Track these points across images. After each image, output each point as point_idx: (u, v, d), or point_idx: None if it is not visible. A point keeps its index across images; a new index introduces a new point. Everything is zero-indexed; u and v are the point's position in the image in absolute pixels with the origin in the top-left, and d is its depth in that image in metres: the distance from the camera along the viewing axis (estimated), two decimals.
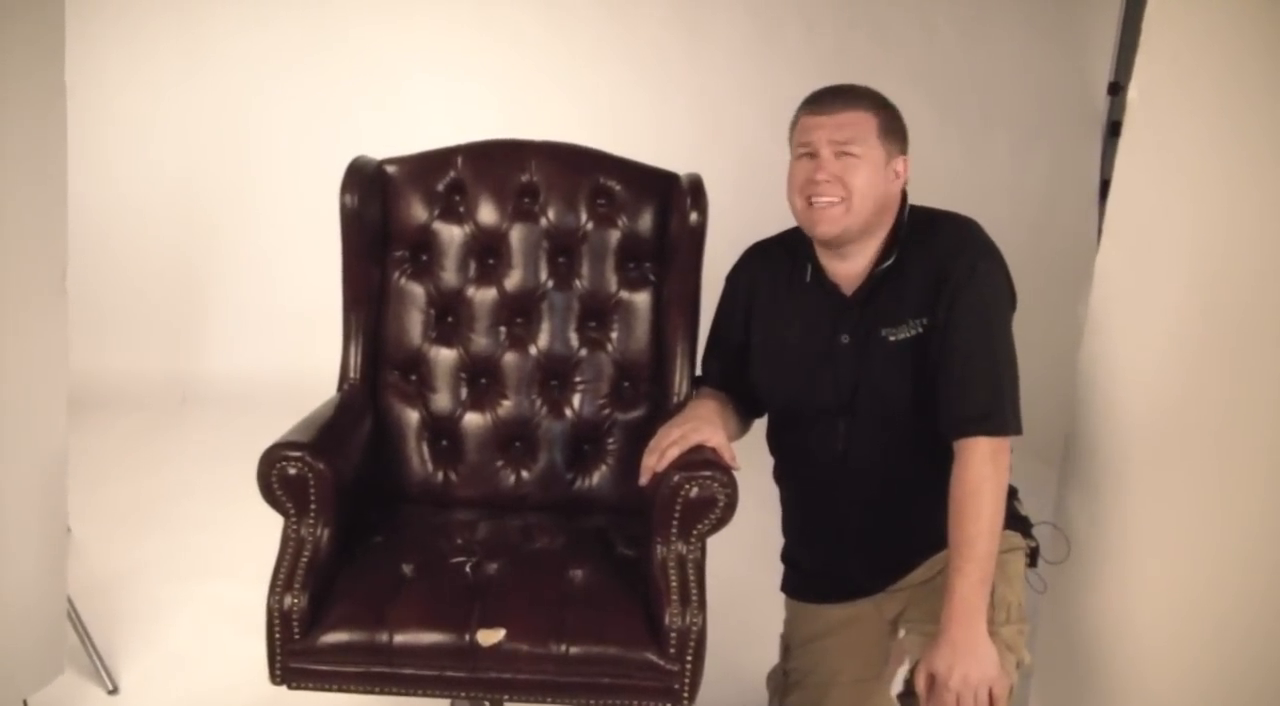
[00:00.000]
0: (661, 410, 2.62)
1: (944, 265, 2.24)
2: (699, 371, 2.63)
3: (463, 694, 2.28)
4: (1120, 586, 2.53)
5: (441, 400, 2.74)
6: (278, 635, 2.21)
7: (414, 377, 2.74)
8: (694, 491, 2.18)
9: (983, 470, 2.16)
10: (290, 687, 2.24)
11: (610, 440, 2.73)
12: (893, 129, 2.29)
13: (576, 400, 2.74)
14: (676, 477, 2.19)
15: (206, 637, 3.34)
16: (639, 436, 2.52)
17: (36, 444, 2.71)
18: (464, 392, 2.75)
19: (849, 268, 2.34)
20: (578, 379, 2.74)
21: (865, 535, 2.44)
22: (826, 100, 2.29)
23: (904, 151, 2.31)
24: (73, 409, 2.82)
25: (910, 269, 2.28)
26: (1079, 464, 2.59)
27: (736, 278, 2.55)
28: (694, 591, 2.20)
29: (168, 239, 5.80)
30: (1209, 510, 2.33)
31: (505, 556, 2.40)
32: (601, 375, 2.74)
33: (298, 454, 2.23)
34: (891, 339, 2.28)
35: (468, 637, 2.18)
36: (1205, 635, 2.38)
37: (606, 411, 2.73)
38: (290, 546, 2.26)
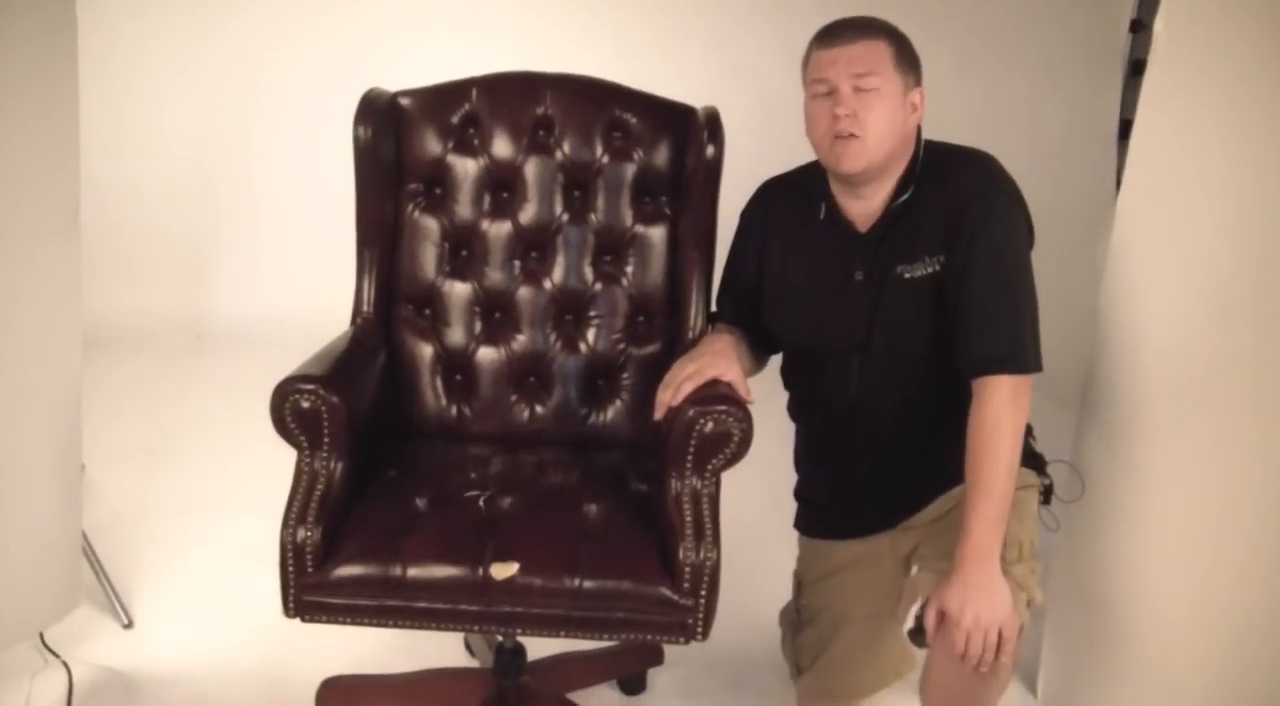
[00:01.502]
0: (676, 346, 2.60)
1: (962, 202, 2.21)
2: (714, 308, 2.61)
3: (476, 627, 2.29)
4: (1135, 526, 2.53)
5: (455, 334, 2.72)
6: (291, 568, 2.20)
7: (427, 312, 2.72)
8: (709, 426, 2.16)
9: (1003, 409, 2.14)
10: (304, 620, 2.24)
11: (624, 375, 2.71)
12: (907, 58, 2.25)
13: (591, 335, 2.72)
14: (691, 412, 2.17)
15: (221, 573, 3.36)
16: (653, 372, 2.50)
17: (51, 379, 2.71)
18: (478, 327, 2.73)
19: (864, 205, 2.31)
20: (592, 314, 2.72)
21: (878, 472, 2.44)
22: (838, 32, 2.25)
23: (919, 83, 2.28)
24: (87, 348, 2.81)
25: (927, 205, 2.25)
26: (1097, 403, 2.57)
27: (750, 215, 2.52)
28: (708, 526, 2.19)
29: (181, 177, 5.78)
30: (1227, 452, 2.32)
31: (519, 491, 2.39)
32: (616, 310, 2.72)
33: (311, 387, 2.21)
34: (907, 276, 2.26)
35: (481, 572, 2.17)
36: (1220, 576, 2.37)
37: (621, 346, 2.71)
38: (304, 480, 2.25)
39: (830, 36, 2.25)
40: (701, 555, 2.16)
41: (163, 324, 5.57)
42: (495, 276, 2.73)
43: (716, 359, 2.30)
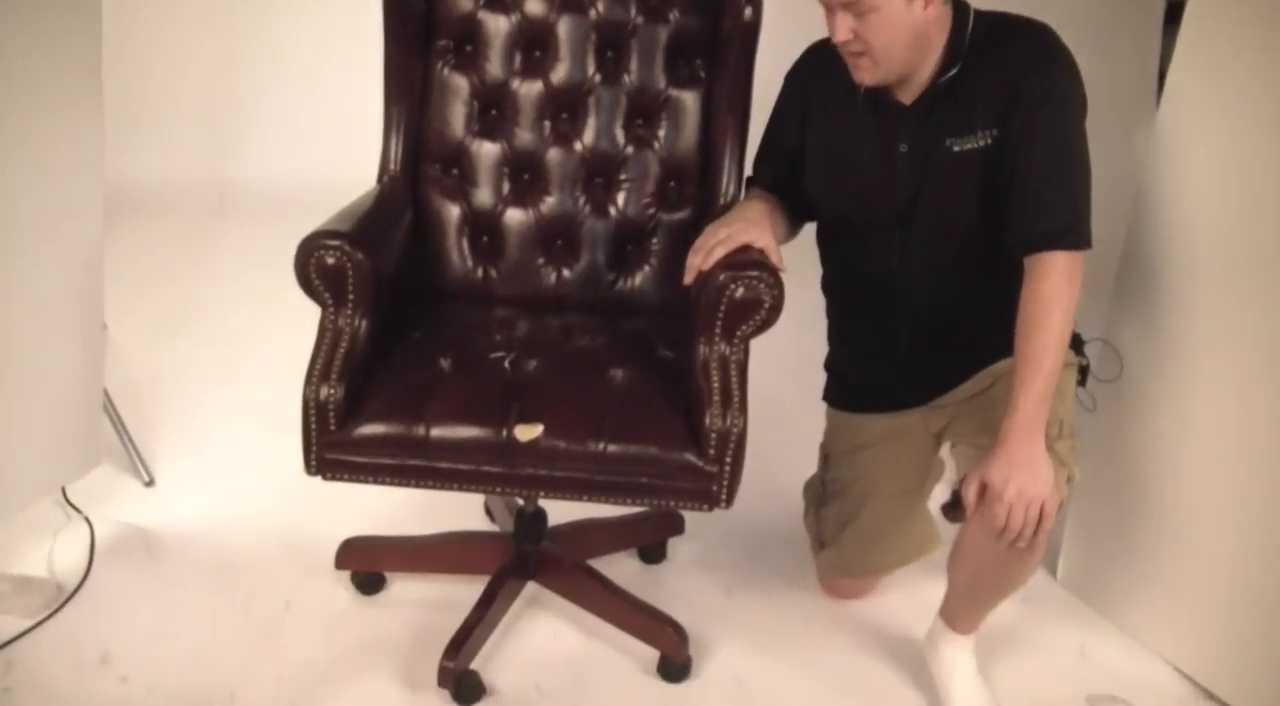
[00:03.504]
0: (707, 212, 2.55)
1: (1020, 76, 2.12)
2: (750, 173, 2.56)
3: (499, 489, 2.27)
4: (1171, 407, 2.50)
5: (483, 195, 2.68)
6: (314, 426, 2.19)
7: (455, 172, 2.68)
8: (740, 292, 2.12)
9: (1058, 285, 2.09)
10: (325, 479, 2.23)
11: (654, 241, 2.67)
12: None
13: (621, 199, 2.67)
14: (722, 277, 2.13)
15: (242, 434, 3.36)
16: (683, 238, 2.45)
17: (72, 237, 2.69)
18: (506, 188, 2.69)
19: (906, 84, 2.24)
20: (623, 177, 2.67)
21: (913, 349, 2.41)
22: None
23: None
24: (110, 213, 2.79)
25: (980, 78, 2.17)
26: (1135, 284, 2.53)
27: (794, 78, 2.45)
28: (735, 393, 2.16)
29: (205, 39, 5.70)
30: (1269, 335, 2.28)
31: (545, 354, 2.37)
32: (647, 174, 2.67)
33: (336, 243, 2.18)
34: (956, 149, 2.19)
35: (505, 433, 2.15)
36: (1256, 464, 2.34)
37: (651, 211, 2.67)
38: (327, 337, 2.22)
39: None
40: (728, 422, 2.14)
41: (186, 189, 5.52)
42: (525, 137, 2.68)
43: (749, 225, 2.25)
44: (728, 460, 2.15)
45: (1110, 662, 2.60)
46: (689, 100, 2.66)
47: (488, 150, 2.68)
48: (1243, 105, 2.29)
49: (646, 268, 2.67)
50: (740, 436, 2.15)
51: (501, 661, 2.51)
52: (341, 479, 2.22)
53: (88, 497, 2.92)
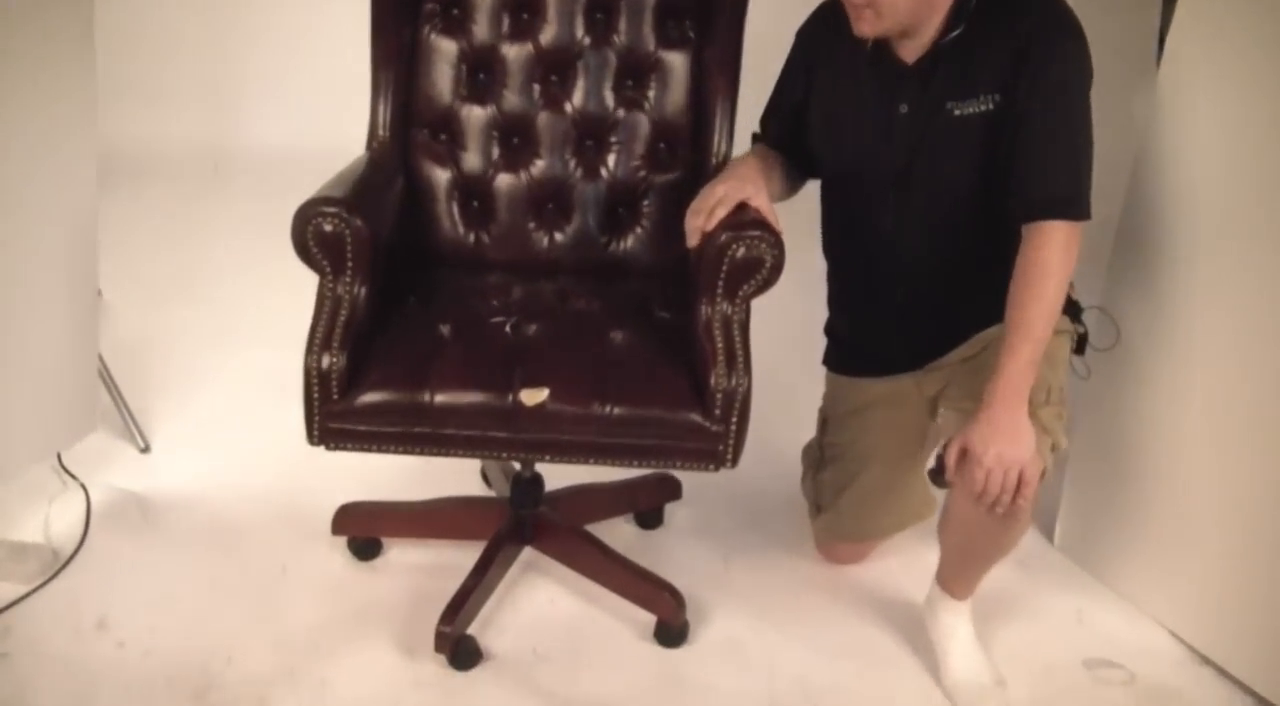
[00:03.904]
0: (699, 174, 2.54)
1: (1026, 42, 2.10)
2: (758, 129, 2.54)
3: (504, 454, 2.27)
4: (1168, 375, 2.50)
5: (472, 160, 2.67)
6: (316, 395, 2.17)
7: (444, 136, 2.66)
8: (741, 251, 2.12)
9: (1055, 255, 2.08)
10: (329, 449, 2.22)
11: (645, 203, 2.66)
12: None
13: (611, 161, 2.66)
14: (723, 237, 2.13)
15: (238, 401, 3.36)
16: (675, 200, 2.46)
17: (65, 202, 2.67)
18: (496, 152, 2.67)
19: (911, 42, 2.21)
20: (613, 139, 2.66)
21: (909, 312, 2.41)
22: None
23: None
24: (104, 178, 2.77)
25: (984, 40, 2.14)
26: (1132, 249, 2.53)
27: (804, 35, 2.44)
28: (739, 353, 2.17)
29: (199, 4, 5.65)
30: (1268, 301, 2.28)
31: (543, 318, 2.37)
32: (638, 136, 2.66)
33: (334, 209, 2.16)
34: (957, 113, 2.17)
35: (510, 398, 2.15)
36: (1250, 428, 2.35)
37: (642, 173, 2.66)
38: (327, 305, 2.20)
39: None
40: (733, 381, 2.14)
41: (180, 154, 5.49)
42: (514, 100, 2.67)
43: (744, 182, 2.23)
44: (733, 420, 2.16)
45: (1107, 628, 2.62)
46: (678, 61, 2.65)
47: (477, 114, 2.67)
48: (1242, 70, 2.29)
49: (638, 229, 2.67)
50: (745, 395, 2.16)
51: (498, 626, 2.52)
52: (345, 448, 2.21)
53: (83, 464, 2.92)
